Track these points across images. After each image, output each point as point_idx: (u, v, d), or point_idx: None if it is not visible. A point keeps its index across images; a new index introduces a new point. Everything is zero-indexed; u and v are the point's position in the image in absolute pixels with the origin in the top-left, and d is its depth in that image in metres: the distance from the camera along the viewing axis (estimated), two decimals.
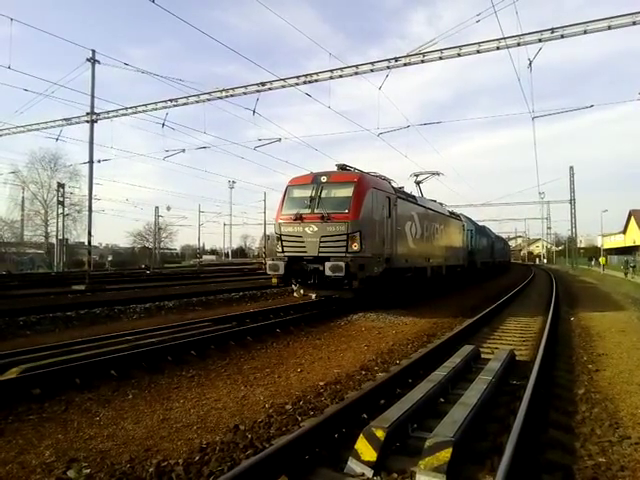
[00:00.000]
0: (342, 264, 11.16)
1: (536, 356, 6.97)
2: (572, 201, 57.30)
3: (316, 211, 12.47)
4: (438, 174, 20.20)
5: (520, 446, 3.69)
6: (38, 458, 3.96)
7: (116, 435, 4.50)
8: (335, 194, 12.69)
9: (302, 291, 13.41)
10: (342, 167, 14.09)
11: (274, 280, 12.71)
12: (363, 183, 12.72)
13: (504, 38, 14.92)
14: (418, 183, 20.14)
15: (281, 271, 12.26)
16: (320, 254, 12.09)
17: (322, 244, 12.14)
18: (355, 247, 11.86)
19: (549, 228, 79.58)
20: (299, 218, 12.56)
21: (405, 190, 16.63)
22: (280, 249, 12.93)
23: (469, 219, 29.95)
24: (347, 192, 12.41)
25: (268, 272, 12.63)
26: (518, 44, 14.90)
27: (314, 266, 12.01)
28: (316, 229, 12.29)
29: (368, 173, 14.24)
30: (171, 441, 4.37)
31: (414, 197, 17.05)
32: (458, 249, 23.59)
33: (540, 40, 14.65)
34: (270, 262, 12.75)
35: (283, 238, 12.84)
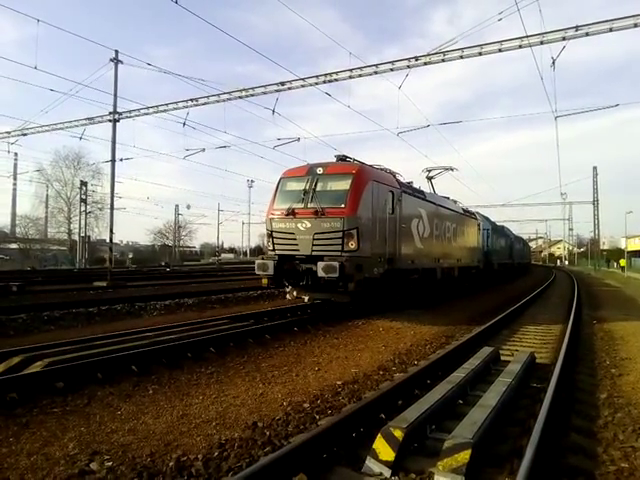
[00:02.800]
0: (336, 264, 10.18)
1: (557, 359, 6.86)
2: (595, 202, 56.34)
3: (310, 205, 11.43)
4: (452, 169, 19.15)
5: (541, 449, 3.65)
6: (62, 450, 4.05)
7: (137, 429, 4.57)
8: (331, 187, 11.65)
9: (295, 293, 12.32)
10: (341, 158, 12.96)
11: (264, 281, 11.69)
12: (362, 175, 11.65)
13: (527, 36, 14.75)
14: (430, 179, 19.16)
15: (270, 271, 11.25)
16: (313, 253, 11.09)
17: (316, 242, 11.11)
18: (352, 245, 10.84)
19: (571, 229, 78.39)
20: (291, 213, 11.53)
21: (414, 186, 15.57)
22: (271, 247, 12.00)
23: (486, 218, 28.83)
24: (344, 185, 11.36)
25: (256, 272, 11.60)
26: (541, 42, 14.72)
27: (307, 266, 11.02)
28: (309, 225, 11.24)
29: (371, 166, 13.18)
30: (190, 436, 4.43)
31: (422, 192, 15.86)
32: (473, 249, 22.35)
33: (564, 38, 14.45)
34: (259, 261, 11.71)
35: (274, 235, 11.86)
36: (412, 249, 14.15)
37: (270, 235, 11.98)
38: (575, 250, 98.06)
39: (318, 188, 11.64)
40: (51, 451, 4.03)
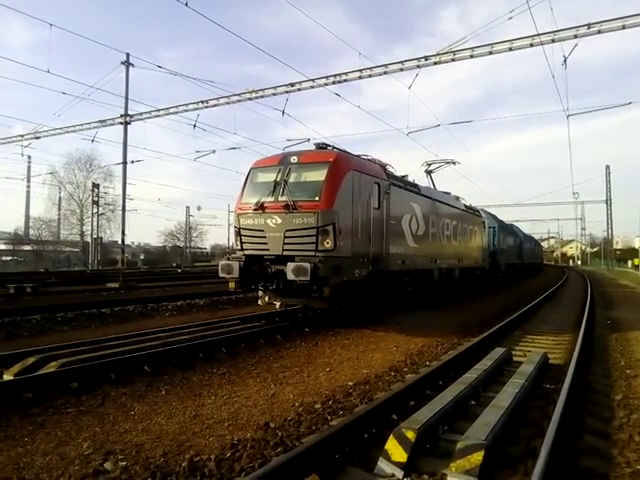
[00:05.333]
0: (307, 266, 8.89)
1: (571, 359, 6.80)
2: (608, 201, 55.72)
3: (280, 199, 10.08)
4: (454, 163, 18.13)
5: (555, 451, 3.62)
6: (76, 450, 4.10)
7: (150, 429, 4.61)
8: (306, 178, 10.33)
9: (267, 298, 10.90)
10: (320, 146, 11.42)
11: (231, 285, 10.37)
12: (340, 164, 10.26)
13: (538, 35, 14.60)
14: (429, 172, 18.06)
15: (235, 274, 9.96)
16: (285, 253, 9.79)
17: (287, 240, 9.83)
18: (327, 244, 9.55)
19: (583, 229, 77.56)
20: (260, 208, 10.20)
21: (409, 180, 14.32)
22: (239, 246, 10.69)
23: (492, 215, 27.67)
24: (319, 175, 10.01)
25: (220, 275, 10.30)
26: (552, 40, 14.57)
27: (277, 267, 9.74)
28: (280, 221, 9.93)
29: (358, 156, 11.84)
30: (203, 437, 4.45)
31: (416, 186, 14.37)
32: (476, 249, 20.89)
33: (576, 36, 14.29)
34: (222, 262, 10.38)
35: (242, 232, 10.54)
36: (403, 248, 12.78)
37: (238, 233, 10.70)
38: (588, 250, 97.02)
39: (291, 179, 10.32)
40: (66, 451, 4.08)
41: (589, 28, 14.12)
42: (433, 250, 15.04)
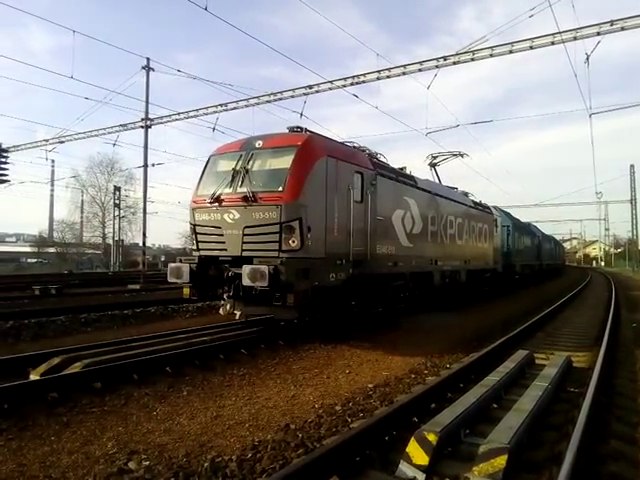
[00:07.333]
0: (264, 269, 7.57)
1: (595, 363, 6.67)
2: (633, 201, 54.52)
3: (239, 190, 8.68)
4: (462, 155, 17.07)
5: (580, 456, 3.56)
6: (101, 449, 4.17)
7: (172, 430, 4.66)
8: (270, 165, 8.92)
9: (228, 307, 9.26)
10: (293, 129, 9.86)
11: (185, 291, 9.09)
12: (311, 148, 8.85)
13: (559, 33, 14.35)
14: (433, 166, 16.86)
15: (185, 278, 8.67)
16: (244, 253, 8.41)
17: (246, 238, 8.44)
18: (293, 243, 8.14)
19: (607, 229, 75.97)
20: (216, 201, 8.81)
21: (407, 172, 13.06)
22: (195, 245, 9.32)
23: (506, 213, 26.17)
24: (285, 162, 8.59)
25: (169, 279, 8.99)
26: (574, 38, 14.32)
27: (236, 271, 8.29)
28: (238, 217, 8.53)
29: (343, 143, 10.65)
30: (224, 438, 4.49)
31: (412, 178, 12.79)
32: (486, 249, 19.14)
33: (598, 33, 14.01)
34: (172, 265, 9.06)
35: (197, 230, 9.17)
36: (394, 248, 11.23)
37: (193, 230, 9.35)
38: (612, 251, 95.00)
39: (254, 167, 8.93)
40: (91, 450, 4.15)
41: (612, 25, 13.84)
42: (433, 250, 13.60)
